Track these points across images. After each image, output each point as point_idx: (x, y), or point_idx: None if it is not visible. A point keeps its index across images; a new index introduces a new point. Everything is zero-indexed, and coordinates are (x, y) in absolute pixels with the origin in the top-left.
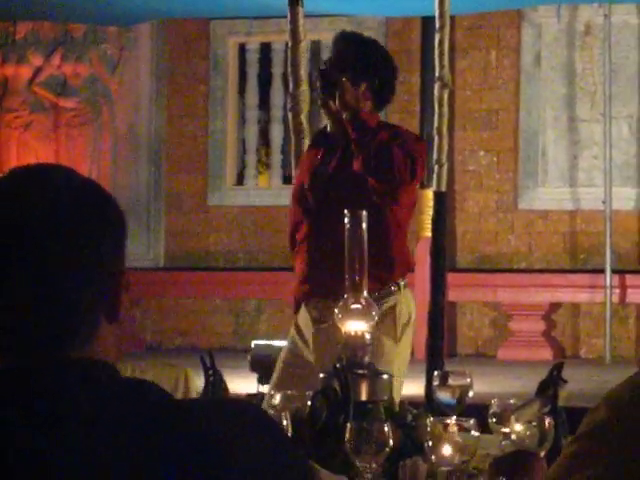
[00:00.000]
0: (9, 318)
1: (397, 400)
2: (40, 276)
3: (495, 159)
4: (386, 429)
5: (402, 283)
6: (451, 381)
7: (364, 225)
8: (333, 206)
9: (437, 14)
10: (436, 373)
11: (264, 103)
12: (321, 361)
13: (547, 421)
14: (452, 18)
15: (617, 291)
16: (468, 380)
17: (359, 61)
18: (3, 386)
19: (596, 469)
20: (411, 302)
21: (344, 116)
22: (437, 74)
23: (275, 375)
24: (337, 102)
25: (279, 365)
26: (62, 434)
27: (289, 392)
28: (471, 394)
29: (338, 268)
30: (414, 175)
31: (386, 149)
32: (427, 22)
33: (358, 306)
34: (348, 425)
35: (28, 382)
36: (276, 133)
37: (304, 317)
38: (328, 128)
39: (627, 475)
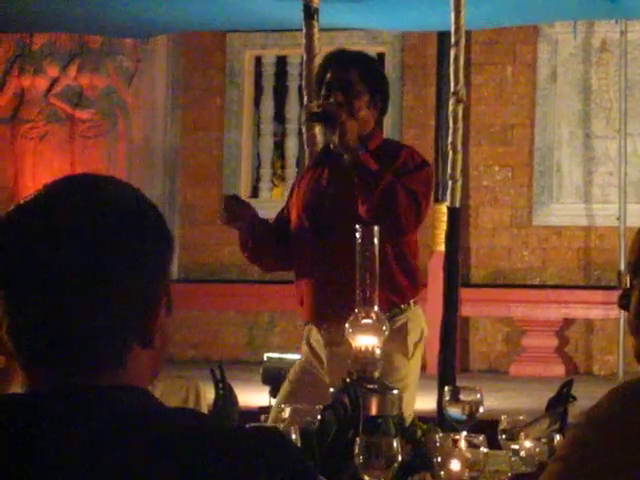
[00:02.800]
0: (27, 335)
1: (409, 416)
2: (58, 299)
3: (510, 174)
4: (395, 444)
5: (412, 301)
6: (462, 397)
7: (375, 240)
8: (340, 227)
9: (453, 29)
10: (447, 388)
11: (279, 116)
12: (336, 381)
13: (556, 438)
14: (468, 33)
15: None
16: (479, 396)
17: (370, 85)
18: (13, 414)
19: None
20: (422, 319)
21: (345, 158)
22: (452, 89)
23: (284, 390)
24: (337, 140)
25: (289, 380)
26: (70, 461)
27: (299, 406)
28: (481, 410)
29: (347, 290)
30: (419, 220)
31: (391, 200)
32: (443, 37)
33: (369, 321)
34: (357, 440)
35: (36, 410)
36: (291, 146)
37: (317, 338)
38: (331, 146)
39: None
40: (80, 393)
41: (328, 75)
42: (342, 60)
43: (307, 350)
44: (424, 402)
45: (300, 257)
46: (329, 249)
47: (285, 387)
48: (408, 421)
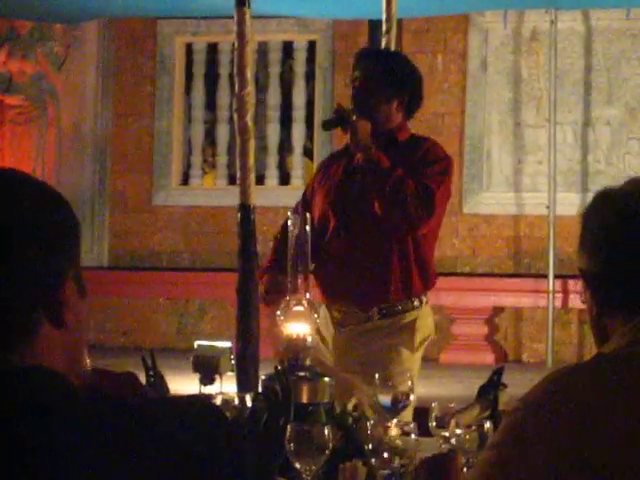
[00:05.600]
0: None
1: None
2: None
3: None
4: (326, 432)
5: (424, 299)
6: (392, 384)
7: (307, 227)
8: (359, 222)
9: (384, 17)
10: (377, 376)
11: (210, 103)
12: (340, 363)
13: (487, 425)
14: (399, 22)
15: (560, 296)
16: (409, 383)
17: (389, 80)
18: None
19: (519, 474)
20: (431, 318)
21: (357, 157)
22: None
23: None
24: (350, 140)
25: None
26: None
27: (230, 394)
28: (412, 398)
29: (365, 277)
30: (432, 213)
31: (400, 194)
32: (374, 25)
33: (300, 308)
34: (288, 427)
35: None
36: (222, 133)
37: (323, 318)
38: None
39: (550, 476)
40: None
41: (355, 73)
42: (365, 56)
43: None
44: None
45: (325, 247)
46: (352, 243)
47: None
48: (409, 414)
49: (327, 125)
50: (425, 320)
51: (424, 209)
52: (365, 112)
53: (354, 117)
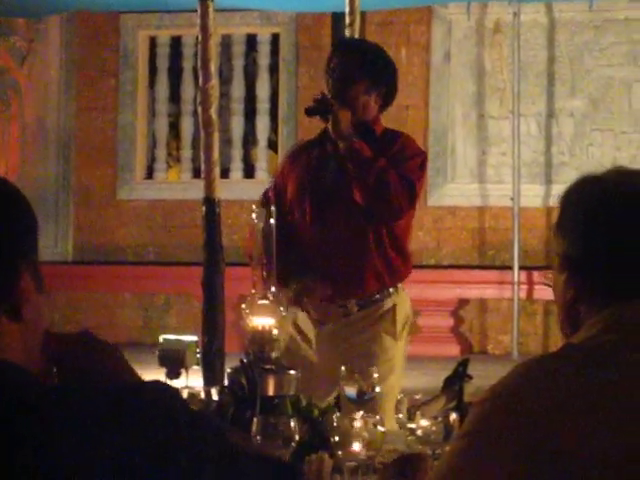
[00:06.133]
0: None
1: (397, 396)
2: None
3: None
4: (292, 424)
5: (400, 285)
6: (358, 376)
7: (272, 221)
8: (334, 211)
9: (347, 10)
10: (343, 368)
11: (174, 97)
12: (324, 360)
13: (452, 417)
14: (363, 14)
15: (524, 287)
16: (375, 376)
17: (369, 71)
18: None
19: (489, 465)
20: (408, 303)
21: (340, 146)
22: None
23: None
24: (331, 129)
25: None
26: None
27: (196, 388)
28: (378, 389)
29: (341, 271)
30: (413, 202)
31: (385, 184)
32: (338, 18)
33: (265, 301)
34: (255, 420)
35: None
36: (186, 127)
37: (303, 317)
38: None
39: (520, 466)
40: None
41: (332, 62)
42: (343, 47)
43: (293, 332)
44: None
45: (300, 240)
46: (327, 232)
47: None
48: (393, 403)
49: (310, 112)
50: (403, 305)
51: (406, 200)
52: (345, 102)
53: (336, 106)
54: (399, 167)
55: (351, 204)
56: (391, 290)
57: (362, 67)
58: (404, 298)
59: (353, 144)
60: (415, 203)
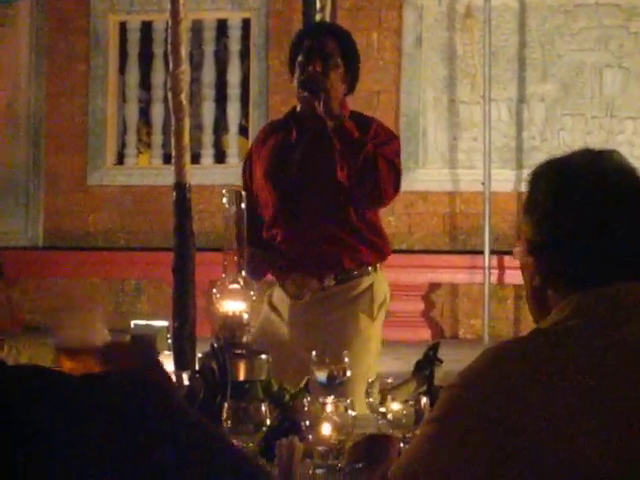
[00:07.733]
0: None
1: (373, 378)
2: None
3: None
4: (263, 408)
5: (378, 265)
6: (328, 360)
7: (243, 205)
8: (311, 186)
9: None
10: (314, 353)
11: (145, 82)
12: (298, 335)
13: (423, 400)
14: None
15: (495, 272)
16: (346, 360)
17: (344, 56)
18: None
19: (458, 450)
20: (385, 283)
21: (328, 124)
22: None
23: None
24: (321, 107)
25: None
26: None
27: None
28: (349, 373)
29: (316, 246)
30: (397, 189)
31: (373, 168)
32: (309, 3)
33: (236, 286)
34: (225, 405)
35: None
36: (157, 112)
37: (279, 294)
38: (298, 109)
39: (489, 451)
40: None
41: (306, 43)
42: (322, 30)
43: (268, 310)
44: None
45: (275, 216)
46: (303, 207)
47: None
48: (364, 384)
49: (305, 85)
50: (381, 285)
51: (392, 184)
52: (323, 85)
53: (328, 84)
54: (382, 152)
55: (327, 184)
56: (370, 269)
57: (341, 53)
58: (382, 278)
59: (345, 123)
60: (399, 188)
